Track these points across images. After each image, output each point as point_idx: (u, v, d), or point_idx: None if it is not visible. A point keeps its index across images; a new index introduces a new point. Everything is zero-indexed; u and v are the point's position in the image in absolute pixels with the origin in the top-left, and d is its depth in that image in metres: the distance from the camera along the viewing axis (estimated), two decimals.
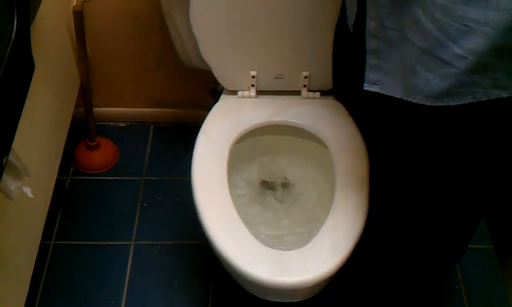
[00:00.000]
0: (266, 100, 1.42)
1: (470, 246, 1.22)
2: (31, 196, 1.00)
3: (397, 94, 0.91)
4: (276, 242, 1.27)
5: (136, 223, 1.67)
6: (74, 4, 1.41)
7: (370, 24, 0.92)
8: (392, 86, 0.91)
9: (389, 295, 1.33)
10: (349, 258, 1.14)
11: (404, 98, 0.89)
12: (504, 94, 0.81)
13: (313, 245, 1.15)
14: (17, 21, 0.84)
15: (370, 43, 0.93)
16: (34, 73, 0.99)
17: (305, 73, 1.39)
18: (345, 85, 1.36)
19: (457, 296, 1.57)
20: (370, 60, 0.94)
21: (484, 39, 0.75)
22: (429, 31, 0.80)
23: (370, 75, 0.95)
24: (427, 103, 0.86)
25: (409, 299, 1.33)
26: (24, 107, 0.96)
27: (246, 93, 1.42)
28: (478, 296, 1.57)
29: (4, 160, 0.87)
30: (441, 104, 0.84)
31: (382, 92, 0.94)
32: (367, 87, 0.96)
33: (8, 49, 0.83)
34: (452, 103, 0.84)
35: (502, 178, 1.01)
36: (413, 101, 0.87)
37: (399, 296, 1.32)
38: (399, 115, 0.98)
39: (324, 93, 1.43)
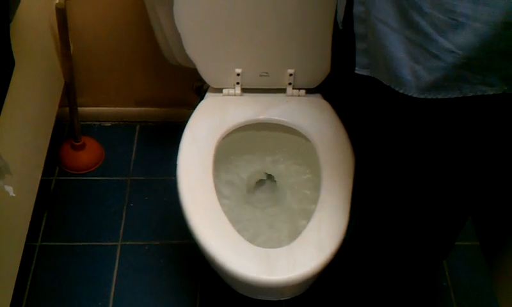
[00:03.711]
0: (251, 97, 1.41)
1: (456, 243, 1.22)
2: (13, 195, 0.99)
3: (385, 80, 0.90)
4: (261, 239, 1.27)
5: (123, 223, 1.66)
6: (57, 1, 1.40)
7: (358, 8, 0.91)
8: (381, 71, 0.91)
9: (376, 291, 1.33)
10: (335, 254, 1.14)
11: (392, 87, 0.88)
12: (490, 91, 0.81)
13: (300, 243, 1.15)
14: None
15: (358, 28, 0.93)
16: (16, 71, 0.98)
17: (290, 71, 1.39)
18: (339, 79, 1.36)
19: (445, 292, 1.57)
20: (359, 44, 0.94)
21: (474, 35, 0.75)
22: (417, 24, 0.80)
23: (360, 59, 0.95)
24: (414, 95, 0.85)
25: (396, 295, 1.33)
26: (5, 104, 0.95)
27: (231, 91, 1.41)
28: (465, 292, 1.58)
29: None
30: (428, 97, 0.84)
31: (372, 75, 0.94)
32: (358, 70, 0.96)
33: None
34: (439, 97, 0.84)
35: (489, 175, 1.01)
36: (400, 91, 0.87)
37: (386, 292, 1.32)
38: (387, 108, 0.97)
39: (309, 91, 1.43)
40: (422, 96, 0.85)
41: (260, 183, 1.44)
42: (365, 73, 0.95)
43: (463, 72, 0.80)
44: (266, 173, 1.44)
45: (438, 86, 0.83)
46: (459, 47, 0.77)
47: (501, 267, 1.56)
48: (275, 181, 1.44)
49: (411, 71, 0.84)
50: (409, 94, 0.86)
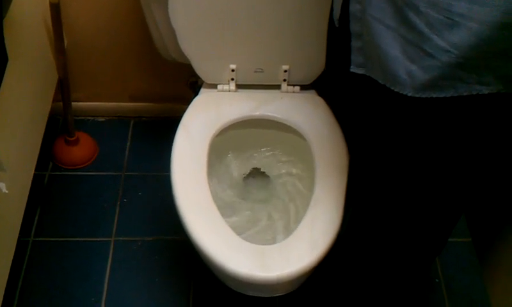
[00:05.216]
0: (246, 93, 1.41)
1: (449, 239, 1.22)
2: (6, 192, 0.99)
3: (380, 79, 0.90)
4: (255, 235, 1.27)
5: (116, 219, 1.66)
6: None
7: (355, 7, 0.91)
8: (376, 69, 0.91)
9: (370, 288, 1.33)
10: (328, 251, 1.14)
11: (387, 85, 0.88)
12: (485, 91, 0.81)
13: (294, 239, 1.15)
14: None
15: (354, 26, 0.93)
16: (9, 66, 0.98)
17: (285, 67, 1.39)
18: (334, 76, 1.36)
19: (437, 288, 1.58)
20: (355, 43, 0.94)
21: (469, 34, 0.75)
22: (413, 22, 0.80)
23: (355, 57, 0.95)
24: (409, 94, 0.85)
25: (389, 291, 1.34)
26: None
27: (226, 87, 1.41)
28: (457, 288, 1.58)
29: None
30: (423, 96, 0.84)
31: (367, 74, 0.93)
32: (353, 69, 0.95)
33: None
34: (434, 96, 0.84)
35: (483, 173, 1.01)
36: (395, 90, 0.87)
37: (379, 289, 1.33)
38: (382, 106, 0.97)
39: (303, 87, 1.43)
40: (417, 95, 0.85)
41: (254, 179, 1.44)
42: (360, 72, 0.95)
43: (458, 71, 0.80)
44: (260, 169, 1.44)
45: (433, 85, 0.83)
46: (455, 46, 0.77)
47: (492, 264, 1.57)
48: (269, 177, 1.44)
49: (406, 70, 0.84)
50: (404, 93, 0.86)
